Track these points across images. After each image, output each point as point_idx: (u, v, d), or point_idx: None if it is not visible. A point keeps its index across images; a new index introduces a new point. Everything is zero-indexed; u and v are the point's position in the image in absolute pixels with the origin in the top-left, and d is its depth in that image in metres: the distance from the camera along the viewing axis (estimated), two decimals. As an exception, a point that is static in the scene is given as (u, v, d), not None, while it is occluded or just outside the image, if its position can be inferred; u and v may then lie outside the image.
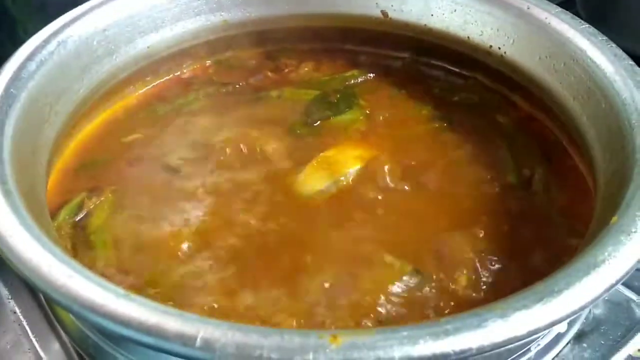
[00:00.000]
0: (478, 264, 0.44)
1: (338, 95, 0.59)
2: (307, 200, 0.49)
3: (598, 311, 0.49)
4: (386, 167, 0.51)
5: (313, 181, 0.50)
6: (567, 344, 0.46)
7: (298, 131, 0.56)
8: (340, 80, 0.62)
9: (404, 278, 0.43)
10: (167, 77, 0.62)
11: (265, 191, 0.50)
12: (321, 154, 0.52)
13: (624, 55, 0.49)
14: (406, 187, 0.50)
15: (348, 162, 0.52)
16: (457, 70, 0.62)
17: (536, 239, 0.47)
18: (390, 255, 0.44)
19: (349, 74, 0.63)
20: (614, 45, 0.50)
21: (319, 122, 0.57)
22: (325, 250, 0.45)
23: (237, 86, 0.62)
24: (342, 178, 0.51)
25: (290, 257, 0.45)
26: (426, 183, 0.51)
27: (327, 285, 0.43)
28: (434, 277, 0.43)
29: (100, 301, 0.32)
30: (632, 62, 0.48)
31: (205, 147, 0.54)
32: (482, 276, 0.44)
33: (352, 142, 0.54)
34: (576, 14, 0.54)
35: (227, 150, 0.53)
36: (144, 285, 0.43)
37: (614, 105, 0.46)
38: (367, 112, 0.58)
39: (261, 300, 0.42)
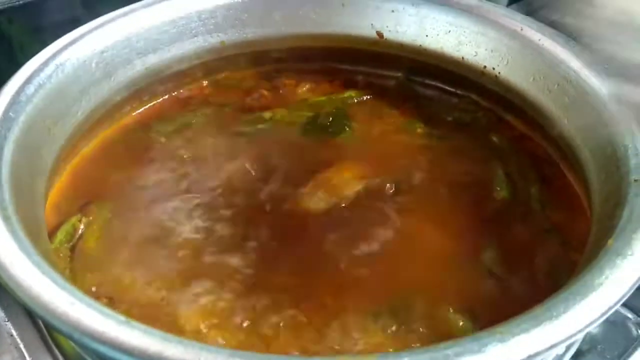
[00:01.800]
0: (477, 282, 0.45)
1: (330, 118, 0.59)
2: (309, 221, 0.49)
3: (595, 330, 0.49)
4: (383, 187, 0.52)
5: (313, 203, 0.50)
6: (565, 363, 0.47)
7: (292, 153, 0.56)
8: (337, 101, 0.62)
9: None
10: (164, 98, 0.62)
11: (266, 214, 0.50)
12: (319, 175, 0.53)
13: (617, 77, 0.49)
14: (403, 206, 0.51)
15: (348, 184, 0.52)
16: (451, 89, 0.63)
17: (532, 257, 0.47)
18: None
19: (346, 94, 0.63)
20: (607, 65, 0.50)
21: (312, 145, 0.57)
22: (330, 271, 0.46)
23: (234, 106, 0.62)
24: (342, 200, 0.51)
25: (294, 278, 0.45)
26: (422, 202, 0.51)
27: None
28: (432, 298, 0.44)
29: (101, 329, 0.32)
30: (625, 84, 0.49)
31: (199, 168, 0.54)
32: (480, 293, 0.44)
33: (348, 163, 0.54)
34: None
35: (222, 172, 0.54)
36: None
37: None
38: (360, 133, 0.58)
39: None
